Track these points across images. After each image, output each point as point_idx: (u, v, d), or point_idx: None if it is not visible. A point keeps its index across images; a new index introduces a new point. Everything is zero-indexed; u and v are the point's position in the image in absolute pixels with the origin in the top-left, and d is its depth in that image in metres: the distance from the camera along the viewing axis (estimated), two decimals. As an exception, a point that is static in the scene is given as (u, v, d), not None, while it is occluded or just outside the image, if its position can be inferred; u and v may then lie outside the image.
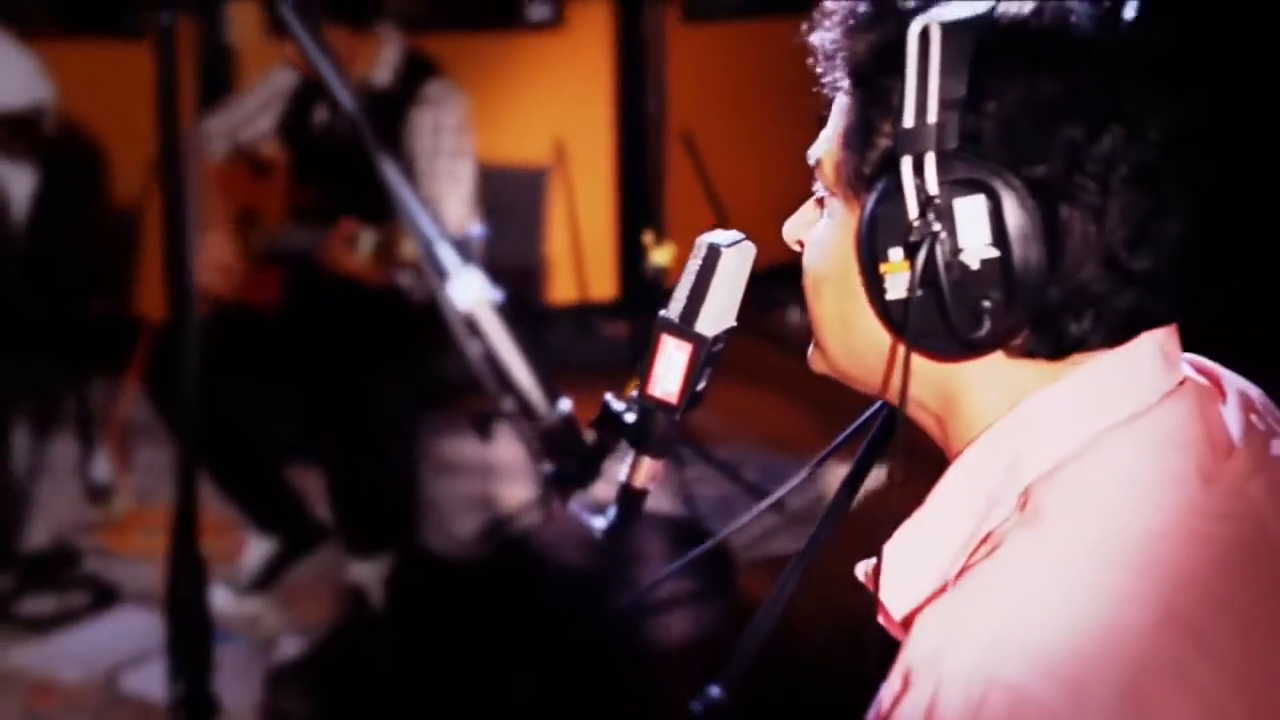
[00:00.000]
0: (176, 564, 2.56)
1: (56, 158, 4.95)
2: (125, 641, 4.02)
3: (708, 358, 1.42)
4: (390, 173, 1.76)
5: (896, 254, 1.21)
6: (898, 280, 1.21)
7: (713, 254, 1.40)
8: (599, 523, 1.52)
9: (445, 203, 4.17)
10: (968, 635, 1.10)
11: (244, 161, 4.48)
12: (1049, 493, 1.18)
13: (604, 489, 1.58)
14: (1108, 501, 1.17)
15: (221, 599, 4.25)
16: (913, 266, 1.19)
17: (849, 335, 1.30)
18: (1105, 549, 1.13)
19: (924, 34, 1.18)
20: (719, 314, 1.41)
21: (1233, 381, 1.31)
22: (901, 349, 1.23)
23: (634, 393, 1.46)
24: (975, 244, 1.17)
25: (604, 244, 6.48)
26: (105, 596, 4.40)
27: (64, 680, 3.95)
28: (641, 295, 5.60)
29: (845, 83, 1.29)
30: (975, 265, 1.17)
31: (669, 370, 1.43)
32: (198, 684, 2.60)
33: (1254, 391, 1.33)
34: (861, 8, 1.27)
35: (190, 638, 2.60)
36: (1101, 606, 1.09)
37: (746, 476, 5.12)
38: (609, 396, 1.48)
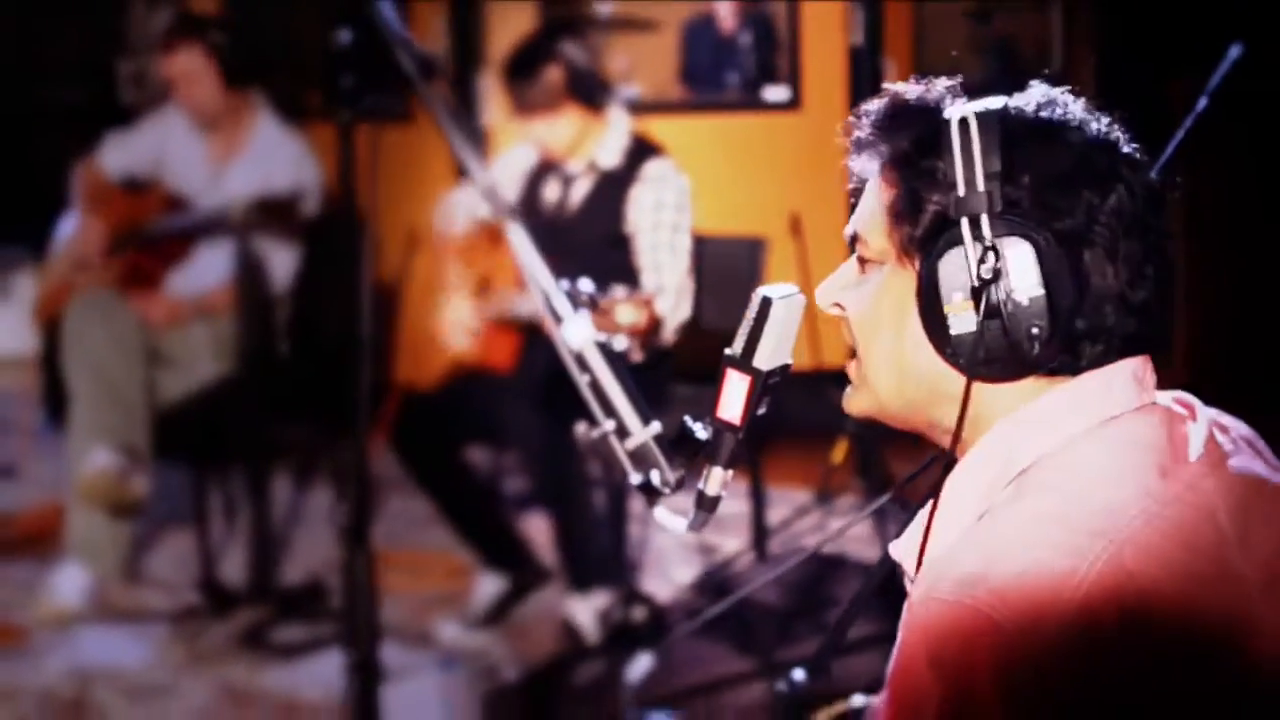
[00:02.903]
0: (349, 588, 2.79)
1: (323, 233, 5.23)
2: (364, 668, 4.31)
3: (764, 387, 1.69)
4: (516, 234, 2.10)
5: (959, 297, 1.49)
6: (962, 319, 1.49)
7: (765, 304, 1.69)
8: (679, 523, 1.83)
9: (665, 272, 4.43)
10: (952, 572, 1.39)
11: (483, 233, 4.69)
12: (1031, 477, 1.47)
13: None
14: (1076, 482, 1.44)
15: (452, 632, 4.61)
16: (977, 305, 1.48)
17: (900, 377, 1.58)
18: (1069, 516, 1.40)
19: (964, 123, 1.49)
20: (773, 352, 1.69)
21: (1209, 412, 1.57)
22: (959, 377, 1.51)
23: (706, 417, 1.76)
24: (1024, 284, 1.46)
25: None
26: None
27: (306, 699, 4.24)
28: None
29: (877, 168, 1.61)
30: (1025, 302, 1.46)
31: (733, 397, 1.70)
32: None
33: (1234, 423, 1.59)
34: (900, 108, 1.59)
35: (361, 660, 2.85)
36: (1061, 557, 1.36)
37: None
38: (687, 419, 1.79)
